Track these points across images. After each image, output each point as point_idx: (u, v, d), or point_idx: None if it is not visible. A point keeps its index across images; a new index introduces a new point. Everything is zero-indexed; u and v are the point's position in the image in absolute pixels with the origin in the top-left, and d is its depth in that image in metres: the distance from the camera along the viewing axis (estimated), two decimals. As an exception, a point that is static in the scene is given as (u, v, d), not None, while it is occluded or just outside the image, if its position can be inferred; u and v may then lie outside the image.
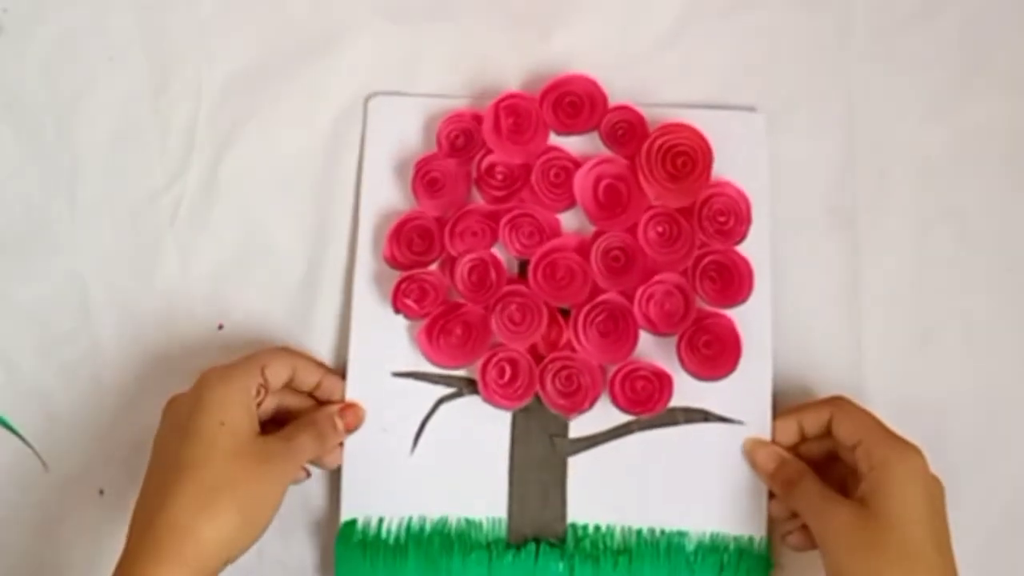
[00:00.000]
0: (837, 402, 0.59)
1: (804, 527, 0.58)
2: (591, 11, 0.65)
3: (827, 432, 0.58)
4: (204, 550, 0.52)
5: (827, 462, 0.59)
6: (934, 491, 0.55)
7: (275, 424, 0.59)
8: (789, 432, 0.59)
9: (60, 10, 0.66)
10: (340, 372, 0.62)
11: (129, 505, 0.58)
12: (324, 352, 0.63)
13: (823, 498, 0.56)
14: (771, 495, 0.60)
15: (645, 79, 0.64)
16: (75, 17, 0.66)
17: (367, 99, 0.64)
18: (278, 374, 0.58)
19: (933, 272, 0.63)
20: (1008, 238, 0.64)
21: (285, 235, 0.64)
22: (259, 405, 0.57)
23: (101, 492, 0.63)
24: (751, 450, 0.60)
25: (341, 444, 0.61)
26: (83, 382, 0.63)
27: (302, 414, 0.60)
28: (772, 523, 0.60)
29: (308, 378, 0.60)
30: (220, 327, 0.64)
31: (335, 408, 0.60)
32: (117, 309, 0.64)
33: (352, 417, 0.60)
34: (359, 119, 0.65)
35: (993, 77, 0.65)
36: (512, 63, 0.64)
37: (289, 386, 0.60)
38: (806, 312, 0.63)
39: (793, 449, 0.60)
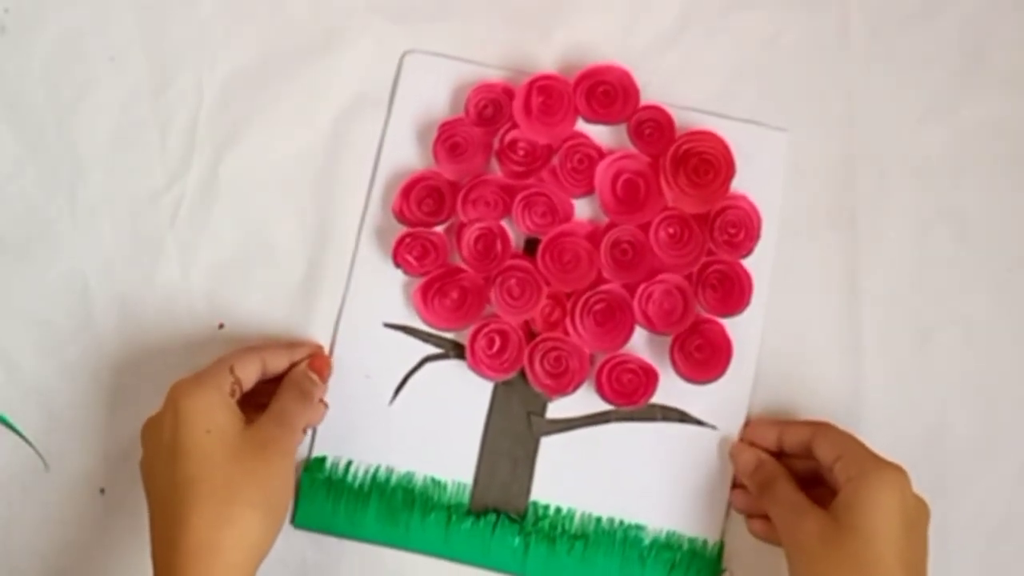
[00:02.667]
0: (820, 424, 0.59)
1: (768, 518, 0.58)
2: (591, 11, 0.65)
3: (808, 453, 0.58)
4: (233, 560, 0.52)
5: (810, 485, 0.58)
6: (913, 511, 0.54)
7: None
8: (767, 437, 0.60)
9: (61, 10, 0.66)
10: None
11: (130, 504, 0.59)
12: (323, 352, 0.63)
13: (794, 505, 0.56)
14: (735, 485, 0.61)
15: (645, 79, 0.64)
16: (76, 17, 0.66)
17: (403, 55, 0.65)
18: (248, 370, 0.58)
19: (933, 272, 0.63)
20: (1008, 238, 0.63)
21: (285, 235, 0.64)
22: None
23: (102, 491, 0.63)
24: (734, 452, 0.61)
25: (323, 401, 0.61)
26: (83, 382, 0.63)
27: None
28: (729, 522, 0.61)
29: (278, 364, 0.60)
30: (220, 327, 0.64)
31: (304, 364, 0.60)
32: (117, 309, 0.64)
33: (321, 365, 0.61)
34: (359, 119, 0.65)
35: (993, 77, 0.65)
36: (511, 62, 0.65)
37: (262, 378, 0.59)
38: (805, 312, 0.63)
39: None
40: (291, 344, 0.62)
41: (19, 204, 0.65)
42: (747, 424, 0.61)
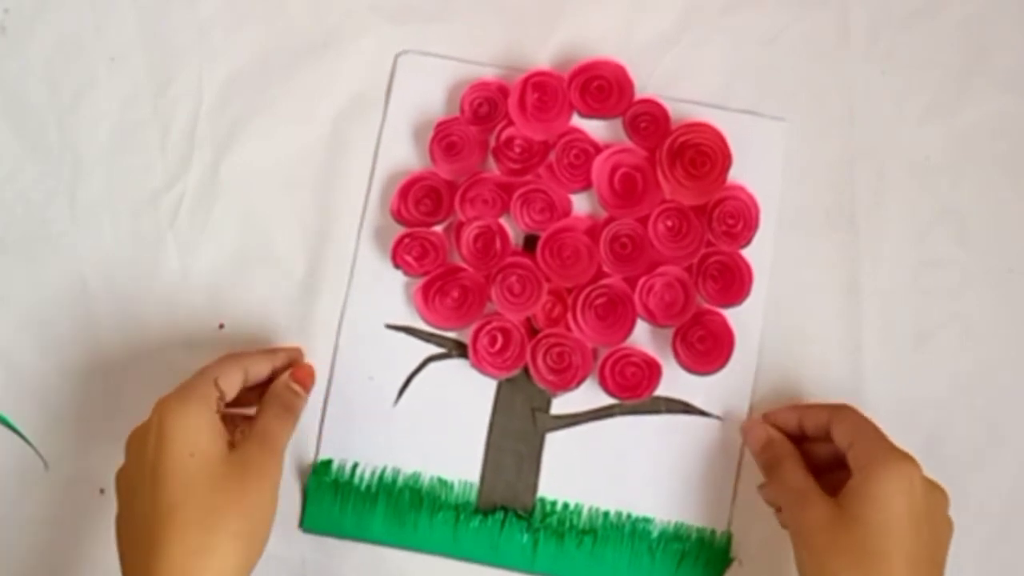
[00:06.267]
0: (839, 407, 0.58)
1: None
2: (591, 11, 0.65)
3: (828, 436, 0.58)
4: None
5: (833, 467, 0.58)
6: (922, 504, 0.53)
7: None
8: (788, 421, 0.60)
9: (61, 10, 0.66)
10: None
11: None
12: (323, 351, 0.63)
13: (801, 488, 0.55)
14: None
15: (644, 78, 0.64)
16: (76, 17, 0.66)
17: (397, 56, 0.65)
18: (231, 382, 0.56)
19: (932, 272, 0.63)
20: (1006, 238, 0.64)
21: (285, 235, 0.64)
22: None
23: (101, 491, 0.63)
24: (746, 427, 0.61)
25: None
26: (83, 382, 0.63)
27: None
28: (736, 511, 0.61)
29: (260, 372, 0.59)
30: (220, 327, 0.64)
31: (287, 375, 0.60)
32: (117, 309, 0.64)
33: (304, 376, 0.60)
34: (359, 119, 0.65)
35: (993, 77, 0.65)
36: (511, 62, 0.65)
37: (244, 387, 0.58)
38: (805, 311, 0.63)
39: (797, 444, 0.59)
40: (271, 351, 0.61)
41: (19, 204, 0.65)
42: (751, 411, 0.62)
